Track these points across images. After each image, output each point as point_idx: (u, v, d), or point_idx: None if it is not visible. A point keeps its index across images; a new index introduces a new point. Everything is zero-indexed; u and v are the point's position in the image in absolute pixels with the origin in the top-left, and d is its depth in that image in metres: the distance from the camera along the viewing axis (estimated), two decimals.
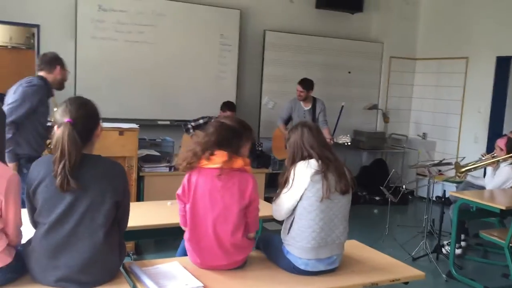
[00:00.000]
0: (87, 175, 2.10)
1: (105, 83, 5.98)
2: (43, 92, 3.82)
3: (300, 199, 2.50)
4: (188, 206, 2.48)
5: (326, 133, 5.71)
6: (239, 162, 2.46)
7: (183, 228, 2.59)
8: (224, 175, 2.42)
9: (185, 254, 2.67)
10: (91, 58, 5.91)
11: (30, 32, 6.97)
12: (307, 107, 5.95)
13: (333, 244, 2.56)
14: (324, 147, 2.59)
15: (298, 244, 2.52)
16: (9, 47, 7.15)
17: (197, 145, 2.47)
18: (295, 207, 2.53)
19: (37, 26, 5.79)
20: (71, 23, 5.82)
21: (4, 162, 2.18)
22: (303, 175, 2.51)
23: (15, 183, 2.12)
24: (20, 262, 2.17)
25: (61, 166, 2.02)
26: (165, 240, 4.53)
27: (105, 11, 5.90)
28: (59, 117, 2.10)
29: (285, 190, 2.55)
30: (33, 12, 5.72)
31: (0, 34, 7.04)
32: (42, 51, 5.80)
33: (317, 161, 2.52)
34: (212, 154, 2.43)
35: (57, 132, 2.07)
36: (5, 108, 3.55)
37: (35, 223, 2.18)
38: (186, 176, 2.49)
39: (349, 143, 5.59)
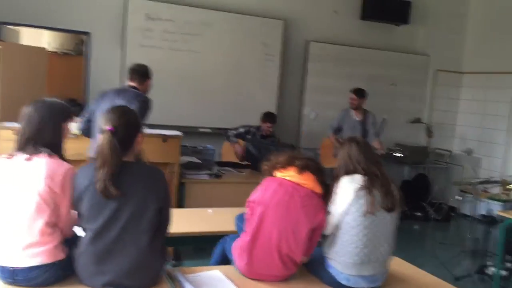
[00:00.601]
0: (129, 182, 2.15)
1: (150, 90, 6.08)
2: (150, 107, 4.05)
3: (345, 214, 2.48)
4: (258, 211, 2.49)
5: (376, 144, 5.70)
6: (319, 189, 2.55)
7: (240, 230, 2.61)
8: (306, 195, 2.48)
9: (222, 260, 2.70)
10: None
11: (79, 39, 7.21)
12: (359, 118, 5.90)
13: (376, 262, 2.51)
14: (371, 162, 2.56)
15: (340, 258, 2.49)
16: (60, 53, 7.41)
17: (293, 158, 2.59)
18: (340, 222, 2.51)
19: (88, 33, 5.99)
20: (119, 31, 5.99)
21: (61, 157, 2.25)
22: (347, 190, 2.49)
23: (71, 176, 2.19)
24: (70, 261, 2.23)
25: (102, 173, 2.08)
26: (204, 247, 4.56)
27: (153, 20, 6.05)
28: (102, 125, 2.16)
29: (329, 205, 2.54)
30: (84, 19, 5.92)
31: (52, 40, 7.30)
32: (91, 58, 6.02)
33: (363, 176, 2.50)
34: (302, 171, 2.54)
35: (99, 139, 2.14)
36: None
37: (83, 229, 2.24)
38: (264, 183, 2.56)
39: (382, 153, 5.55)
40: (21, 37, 6.60)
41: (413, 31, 7.59)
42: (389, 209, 2.48)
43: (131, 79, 4.12)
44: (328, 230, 2.56)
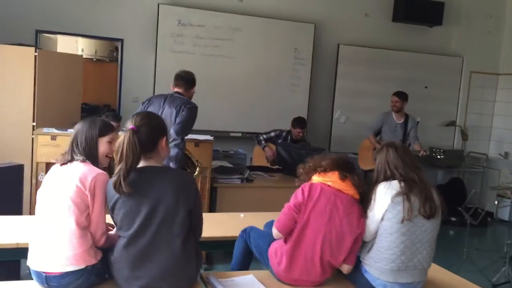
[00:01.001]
0: (159, 186, 2.18)
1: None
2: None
3: (382, 220, 2.44)
4: (301, 217, 2.48)
5: (418, 147, 5.69)
6: (358, 195, 2.54)
7: (277, 234, 2.55)
8: (348, 202, 2.48)
9: (244, 258, 2.74)
10: (170, 71, 6.07)
11: (113, 45, 7.38)
12: (400, 120, 5.86)
13: (415, 270, 2.46)
14: (410, 168, 2.51)
15: (376, 264, 2.46)
16: (94, 59, 7.60)
17: (335, 162, 2.58)
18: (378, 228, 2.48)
19: (121, 40, 6.11)
20: (152, 37, 6.09)
21: (97, 163, 2.35)
22: (384, 196, 2.46)
23: (102, 181, 2.24)
24: (105, 267, 2.27)
25: (118, 168, 2.13)
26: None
27: (184, 26, 6.12)
28: (126, 126, 2.21)
29: (368, 212, 2.51)
30: (118, 26, 6.04)
31: (86, 47, 7.49)
32: (125, 64, 6.13)
33: (399, 182, 2.46)
34: (344, 178, 2.52)
35: (120, 137, 2.19)
36: (174, 126, 3.77)
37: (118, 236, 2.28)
38: (307, 189, 2.52)
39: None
40: (58, 45, 6.80)
41: (446, 33, 7.45)
42: (428, 216, 2.43)
43: (177, 85, 4.14)
44: (367, 237, 2.52)
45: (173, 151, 3.56)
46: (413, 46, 7.28)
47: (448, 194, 6.89)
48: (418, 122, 6.35)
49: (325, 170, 2.54)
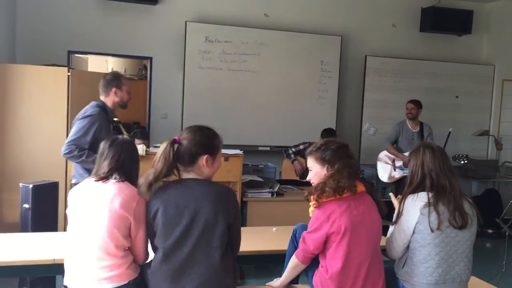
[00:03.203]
0: (199, 198, 2.17)
1: (210, 110, 6.23)
2: (96, 121, 3.53)
3: (413, 233, 2.38)
4: (341, 238, 2.29)
5: None
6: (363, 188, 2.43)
7: (300, 263, 2.44)
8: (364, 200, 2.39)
9: None
10: (198, 86, 6.21)
11: (142, 64, 7.52)
12: (415, 129, 5.86)
13: (453, 283, 2.39)
14: (444, 173, 2.42)
15: (413, 280, 2.40)
16: None
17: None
18: (411, 242, 2.41)
19: (150, 58, 6.22)
20: (180, 54, 6.18)
21: (135, 185, 2.33)
22: (412, 209, 2.39)
23: (143, 202, 2.25)
24: (143, 280, 2.28)
25: (149, 171, 2.19)
26: (265, 265, 4.53)
27: (211, 42, 6.20)
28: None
29: (396, 225, 2.45)
30: (147, 45, 6.16)
31: (116, 66, 7.65)
32: (153, 81, 6.24)
33: (428, 193, 2.39)
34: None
35: (161, 146, 2.24)
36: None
37: (155, 248, 2.26)
38: (325, 212, 2.31)
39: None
40: (89, 64, 6.97)
41: (476, 41, 7.34)
42: (459, 226, 2.35)
43: (100, 93, 3.72)
44: (396, 252, 2.47)
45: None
46: (441, 55, 7.18)
47: (483, 206, 6.81)
48: (450, 132, 6.24)
49: (333, 194, 2.30)
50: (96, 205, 2.24)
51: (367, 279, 2.30)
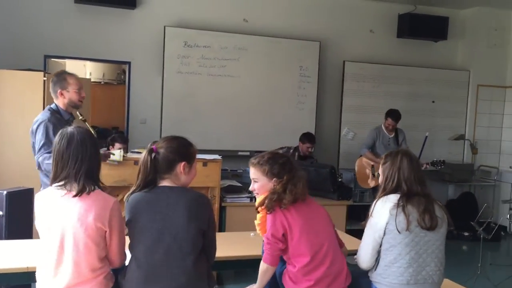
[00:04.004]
0: (172, 204, 2.21)
1: (189, 115, 6.22)
2: (49, 125, 3.42)
3: (384, 234, 2.43)
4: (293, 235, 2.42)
5: None
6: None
7: (270, 266, 2.49)
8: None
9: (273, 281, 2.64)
10: (177, 91, 6.19)
11: (121, 68, 7.46)
12: (391, 135, 6.04)
13: (425, 284, 2.43)
14: (417, 182, 2.50)
15: (385, 280, 2.44)
16: (102, 83, 7.67)
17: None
18: (380, 244, 2.46)
19: (129, 63, 6.18)
20: (159, 59, 6.15)
21: (99, 187, 2.26)
22: (382, 210, 2.46)
23: (118, 210, 2.23)
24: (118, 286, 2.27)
25: (134, 187, 2.28)
26: (244, 270, 4.53)
27: (190, 47, 6.19)
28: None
29: (366, 229, 2.52)
30: (125, 50, 6.12)
31: (94, 71, 7.58)
32: (132, 86, 6.20)
33: (398, 195, 2.46)
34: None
35: (141, 156, 2.31)
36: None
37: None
38: (280, 216, 2.41)
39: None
40: (66, 69, 6.88)
41: (451, 47, 7.48)
42: (428, 228, 2.41)
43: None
44: (368, 258, 2.51)
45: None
46: (418, 61, 7.29)
47: (459, 209, 6.93)
48: (426, 136, 6.35)
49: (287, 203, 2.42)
50: (69, 220, 2.13)
51: (331, 266, 2.42)
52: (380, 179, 2.60)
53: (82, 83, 3.64)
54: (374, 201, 2.54)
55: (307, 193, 2.52)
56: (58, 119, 3.49)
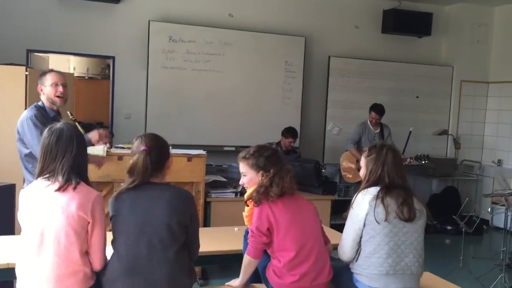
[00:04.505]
0: (154, 199, 2.25)
1: (174, 110, 6.20)
2: (35, 122, 3.40)
3: (364, 225, 2.48)
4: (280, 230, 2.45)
5: None
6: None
7: (252, 259, 2.52)
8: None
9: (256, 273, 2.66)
10: (161, 86, 6.16)
11: (105, 63, 7.39)
12: (377, 130, 6.08)
13: (404, 275, 2.47)
14: (399, 176, 2.56)
15: (365, 271, 2.48)
16: (86, 77, 7.59)
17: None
18: (361, 236, 2.51)
19: (113, 57, 6.13)
20: (143, 54, 6.11)
21: (87, 182, 2.28)
22: (362, 202, 2.51)
23: (100, 203, 2.24)
24: (99, 282, 2.26)
25: (128, 181, 2.27)
26: (230, 265, 4.53)
27: (175, 42, 6.16)
28: (136, 148, 2.32)
29: (347, 221, 2.57)
30: (109, 44, 6.07)
31: (78, 65, 7.50)
32: (116, 81, 6.15)
33: (378, 187, 2.52)
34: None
35: (133, 158, 2.28)
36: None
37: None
38: (267, 210, 2.45)
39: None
40: (50, 64, 6.80)
41: (435, 43, 7.54)
42: (406, 219, 2.47)
43: None
44: (348, 249, 2.55)
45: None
46: (403, 56, 7.35)
47: (443, 203, 7.01)
48: (410, 131, 6.40)
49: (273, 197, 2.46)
50: (52, 210, 2.15)
51: (316, 262, 2.45)
52: (363, 171, 2.65)
53: (63, 79, 3.58)
54: (356, 194, 2.59)
55: (295, 187, 2.54)
56: (42, 114, 3.48)
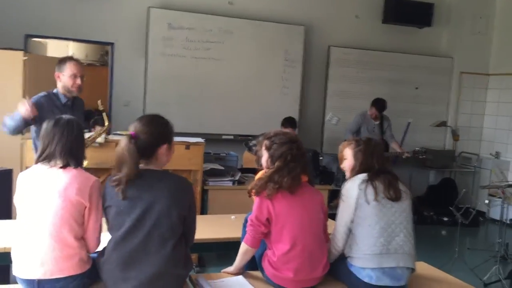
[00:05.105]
0: (154, 190, 2.18)
1: (173, 98, 6.18)
2: (40, 108, 3.39)
3: (355, 209, 2.54)
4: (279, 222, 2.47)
5: (396, 147, 6.08)
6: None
7: (250, 248, 2.53)
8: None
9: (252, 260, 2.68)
10: (160, 74, 6.14)
11: (104, 49, 7.36)
12: (377, 121, 6.10)
13: (396, 254, 2.52)
14: (385, 164, 2.70)
15: (358, 253, 2.52)
16: (85, 64, 7.54)
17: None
18: (353, 220, 2.57)
19: (112, 44, 6.09)
20: (142, 41, 6.08)
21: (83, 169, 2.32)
22: (352, 187, 2.59)
23: (98, 189, 2.25)
24: (95, 268, 2.27)
25: (118, 175, 2.16)
26: (227, 253, 4.55)
27: (175, 29, 6.12)
28: (130, 129, 2.23)
29: (339, 209, 2.64)
30: (108, 30, 6.03)
31: (77, 51, 7.46)
32: (115, 68, 6.12)
33: (365, 174, 2.61)
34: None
35: (119, 143, 2.19)
36: None
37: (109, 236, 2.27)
38: (267, 200, 2.46)
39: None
40: (48, 49, 6.77)
41: (436, 34, 7.50)
42: (393, 199, 2.55)
43: None
44: (342, 235, 2.60)
45: None
46: (403, 47, 7.32)
47: (440, 194, 7.04)
48: (409, 122, 6.41)
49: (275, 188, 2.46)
50: (50, 193, 2.18)
51: (311, 257, 2.47)
52: (351, 162, 2.71)
53: (81, 70, 3.60)
54: (344, 183, 2.68)
55: (297, 186, 2.49)
56: (52, 101, 3.50)
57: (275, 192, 2.44)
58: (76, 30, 5.91)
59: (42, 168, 2.25)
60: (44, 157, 2.26)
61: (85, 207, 2.21)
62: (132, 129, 2.21)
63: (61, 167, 2.22)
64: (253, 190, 2.49)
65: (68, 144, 2.26)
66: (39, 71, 4.72)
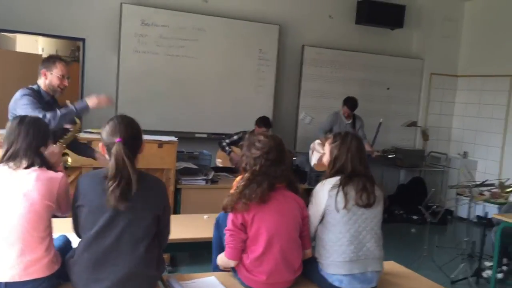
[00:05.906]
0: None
1: (146, 96, 6.11)
2: (30, 96, 3.41)
3: (324, 215, 2.52)
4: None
5: (367, 147, 6.05)
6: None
7: (232, 261, 2.49)
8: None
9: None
10: (133, 71, 6.06)
11: (75, 45, 7.22)
12: (349, 121, 6.17)
13: (366, 259, 2.53)
14: (362, 163, 2.61)
15: (329, 260, 2.52)
16: None
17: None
18: (323, 223, 2.55)
19: (83, 39, 5.99)
20: (115, 37, 5.99)
21: (48, 167, 2.27)
22: (321, 192, 2.55)
23: (65, 185, 2.24)
24: (65, 269, 2.23)
25: (115, 184, 2.07)
26: (200, 253, 4.55)
27: (148, 26, 6.06)
28: (108, 136, 2.17)
29: (309, 212, 2.60)
30: (80, 26, 5.92)
31: (47, 47, 7.31)
32: (86, 64, 6.02)
33: (338, 177, 2.55)
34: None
35: (112, 151, 2.12)
36: None
37: (79, 235, 2.23)
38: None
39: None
40: (17, 44, 6.62)
41: (407, 35, 7.63)
42: (365, 205, 2.52)
43: None
44: (311, 235, 2.60)
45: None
46: (375, 48, 7.42)
47: (409, 193, 7.16)
48: (380, 122, 6.50)
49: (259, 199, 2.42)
50: (15, 196, 2.12)
51: (284, 261, 2.45)
52: (327, 157, 2.69)
53: (69, 71, 3.60)
54: (317, 184, 2.63)
55: (268, 195, 2.43)
56: (38, 97, 3.46)
57: (247, 207, 2.39)
58: (47, 25, 5.78)
59: (7, 170, 2.19)
60: (9, 156, 2.21)
61: (53, 208, 2.18)
62: (116, 135, 2.14)
63: (25, 167, 2.18)
64: (228, 208, 2.44)
65: (34, 143, 2.23)
66: (7, 66, 4.62)
